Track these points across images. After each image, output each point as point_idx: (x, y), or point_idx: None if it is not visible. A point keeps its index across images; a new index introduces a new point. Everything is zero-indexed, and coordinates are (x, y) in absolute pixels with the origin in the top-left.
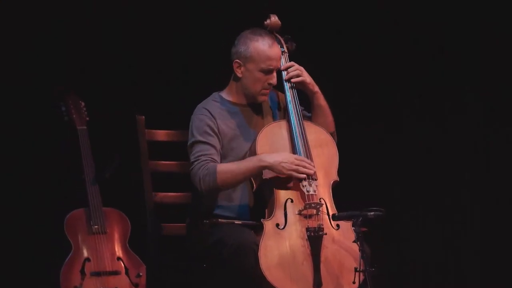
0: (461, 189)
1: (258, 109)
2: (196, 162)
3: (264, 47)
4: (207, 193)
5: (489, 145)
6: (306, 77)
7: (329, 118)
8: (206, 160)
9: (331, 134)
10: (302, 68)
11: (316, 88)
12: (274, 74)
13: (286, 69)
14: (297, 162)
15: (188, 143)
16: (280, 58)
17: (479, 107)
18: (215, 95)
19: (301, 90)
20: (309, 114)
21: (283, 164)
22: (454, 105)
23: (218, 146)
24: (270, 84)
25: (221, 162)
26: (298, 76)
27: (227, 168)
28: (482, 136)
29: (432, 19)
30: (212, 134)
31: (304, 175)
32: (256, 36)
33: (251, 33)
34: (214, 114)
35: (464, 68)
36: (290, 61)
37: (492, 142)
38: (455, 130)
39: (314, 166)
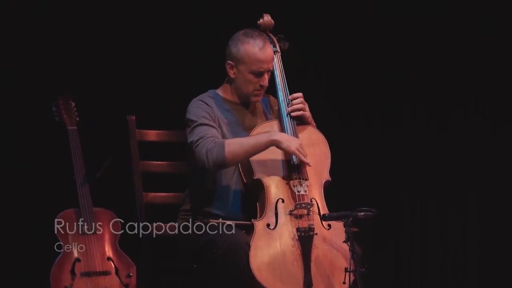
0: (457, 188)
1: (252, 109)
2: (201, 139)
3: (254, 49)
4: (214, 166)
5: (486, 144)
6: (307, 112)
7: None
8: (212, 136)
9: None
10: (305, 103)
11: (313, 123)
12: (266, 76)
13: (292, 98)
14: (303, 146)
15: (188, 129)
16: (273, 59)
17: (480, 107)
18: (210, 91)
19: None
20: None
21: (292, 142)
22: (454, 105)
23: (219, 130)
24: (261, 86)
25: None
26: (300, 109)
27: (236, 141)
28: (477, 135)
29: (434, 19)
30: (211, 119)
31: (307, 161)
32: (248, 38)
33: (243, 35)
34: (211, 105)
35: (466, 67)
36: (282, 61)
37: (486, 142)
38: (450, 129)
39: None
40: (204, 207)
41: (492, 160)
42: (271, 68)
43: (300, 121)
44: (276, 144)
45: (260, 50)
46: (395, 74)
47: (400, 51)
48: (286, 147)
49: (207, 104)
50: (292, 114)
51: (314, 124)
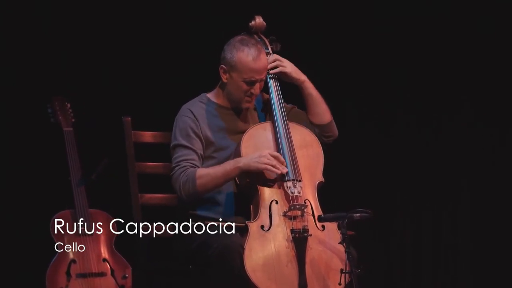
0: (452, 190)
1: (244, 113)
2: (176, 168)
3: (248, 58)
4: (188, 199)
5: (477, 147)
6: (287, 67)
7: (323, 106)
8: (186, 166)
9: (328, 124)
10: (283, 59)
11: (302, 77)
12: (258, 85)
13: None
14: (271, 158)
15: (171, 145)
16: (266, 69)
17: (473, 111)
18: (202, 96)
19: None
20: (289, 105)
21: (257, 159)
22: (447, 108)
23: (199, 149)
24: (252, 94)
25: (203, 164)
26: (276, 67)
27: (205, 173)
28: (471, 138)
29: (429, 21)
30: (195, 137)
31: (279, 171)
32: (243, 46)
33: (239, 42)
34: (197, 116)
35: (459, 71)
36: None
37: (478, 144)
38: (445, 131)
39: (285, 167)
40: (198, 209)
41: (485, 160)
42: (264, 78)
43: (287, 79)
44: (244, 170)
45: (253, 60)
46: (390, 75)
47: (397, 51)
48: (255, 168)
49: (194, 116)
50: (271, 72)
51: (305, 78)
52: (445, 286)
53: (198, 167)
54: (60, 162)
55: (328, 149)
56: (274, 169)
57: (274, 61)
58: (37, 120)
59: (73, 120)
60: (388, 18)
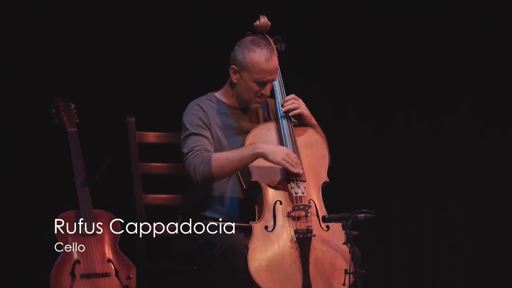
0: (450, 186)
1: (251, 113)
2: (190, 152)
3: (260, 59)
4: (202, 181)
5: (477, 147)
6: (304, 110)
7: None
8: (200, 150)
9: None
10: (300, 101)
11: (313, 121)
12: (268, 85)
13: (284, 101)
14: (290, 155)
15: (182, 136)
16: (277, 70)
17: (473, 111)
18: (210, 94)
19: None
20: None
21: (277, 152)
22: (447, 108)
23: (210, 138)
24: (262, 94)
25: None
26: (295, 109)
27: (222, 155)
28: (471, 138)
29: (429, 21)
30: (205, 127)
31: (296, 170)
32: (255, 47)
33: (250, 42)
34: (206, 110)
35: (458, 71)
36: (279, 62)
37: (478, 144)
38: (445, 131)
39: (302, 168)
40: (201, 210)
41: (485, 160)
42: (275, 79)
43: (299, 119)
44: (261, 156)
45: (266, 61)
46: (390, 75)
47: (397, 51)
48: (272, 159)
49: (202, 109)
50: (290, 114)
51: (315, 122)
52: (445, 286)
53: (211, 152)
54: (64, 163)
55: (328, 149)
56: (289, 165)
57: (292, 104)
58: (41, 120)
59: (77, 120)
60: (388, 18)
